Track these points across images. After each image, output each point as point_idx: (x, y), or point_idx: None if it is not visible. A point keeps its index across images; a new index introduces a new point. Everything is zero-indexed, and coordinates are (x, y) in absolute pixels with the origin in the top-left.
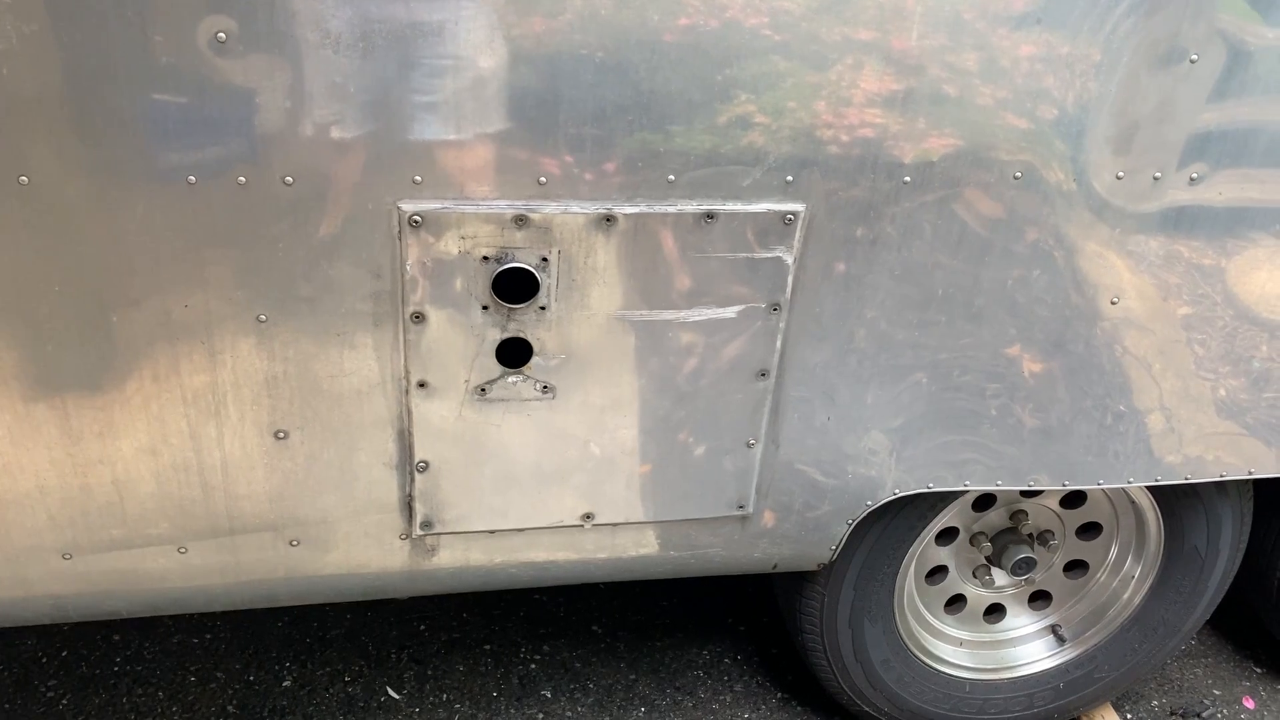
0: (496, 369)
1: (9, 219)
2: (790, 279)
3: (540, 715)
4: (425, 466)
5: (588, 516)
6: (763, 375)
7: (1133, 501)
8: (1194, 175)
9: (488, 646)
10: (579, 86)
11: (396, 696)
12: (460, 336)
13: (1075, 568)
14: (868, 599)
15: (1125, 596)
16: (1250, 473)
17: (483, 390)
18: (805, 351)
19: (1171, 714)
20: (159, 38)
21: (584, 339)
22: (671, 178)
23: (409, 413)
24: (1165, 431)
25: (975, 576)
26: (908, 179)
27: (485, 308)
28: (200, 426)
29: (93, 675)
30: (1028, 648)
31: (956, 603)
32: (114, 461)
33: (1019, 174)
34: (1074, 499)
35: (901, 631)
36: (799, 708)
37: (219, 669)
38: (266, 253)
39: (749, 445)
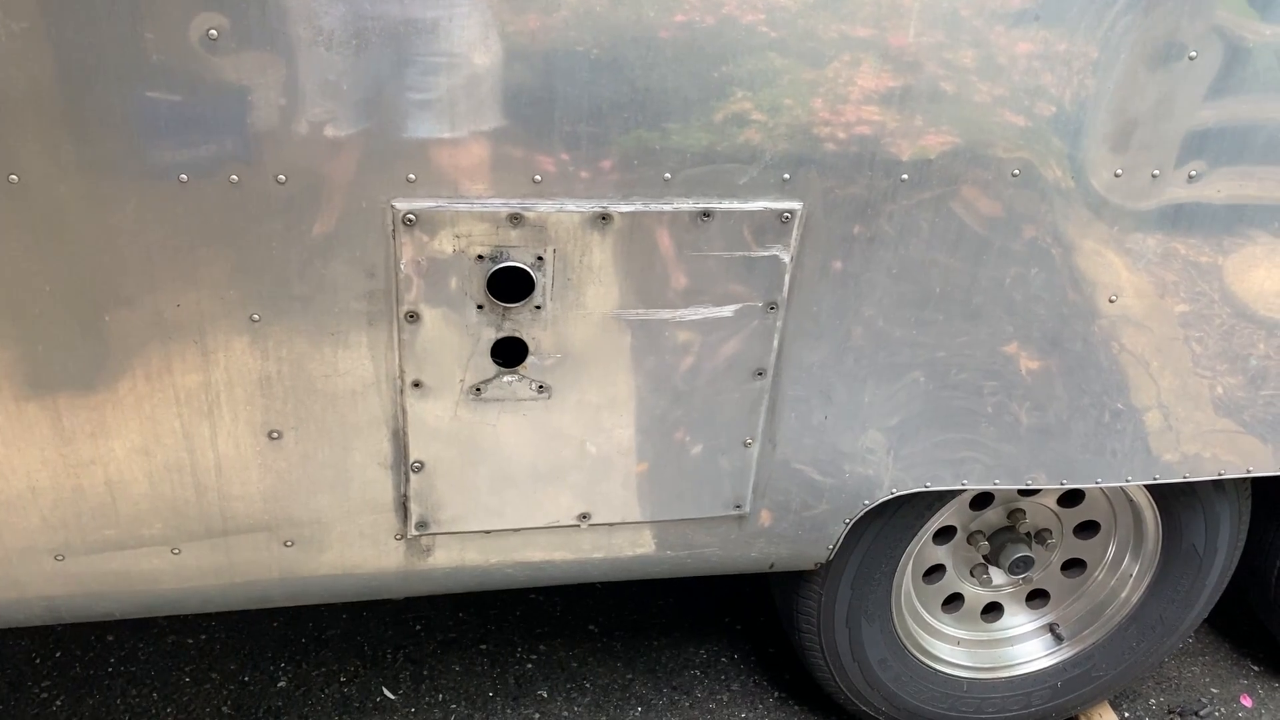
0: (492, 368)
1: None
2: (787, 278)
3: (537, 715)
4: (420, 466)
5: (584, 516)
6: (759, 374)
7: (1130, 500)
8: (1193, 173)
9: (484, 646)
10: (574, 84)
11: (392, 697)
12: (455, 336)
13: (1073, 566)
14: (865, 598)
15: (1123, 595)
16: (1249, 471)
17: (478, 390)
18: (802, 350)
19: (1169, 712)
20: (150, 35)
21: (580, 338)
22: (668, 176)
23: (404, 412)
24: (1163, 429)
25: (973, 575)
26: (905, 177)
27: (480, 307)
28: (193, 427)
29: (87, 676)
30: (1025, 646)
31: (954, 601)
32: (107, 462)
33: (1017, 172)
34: (1072, 497)
35: (899, 630)
36: (796, 707)
37: (214, 669)
38: (259, 252)
39: (746, 445)
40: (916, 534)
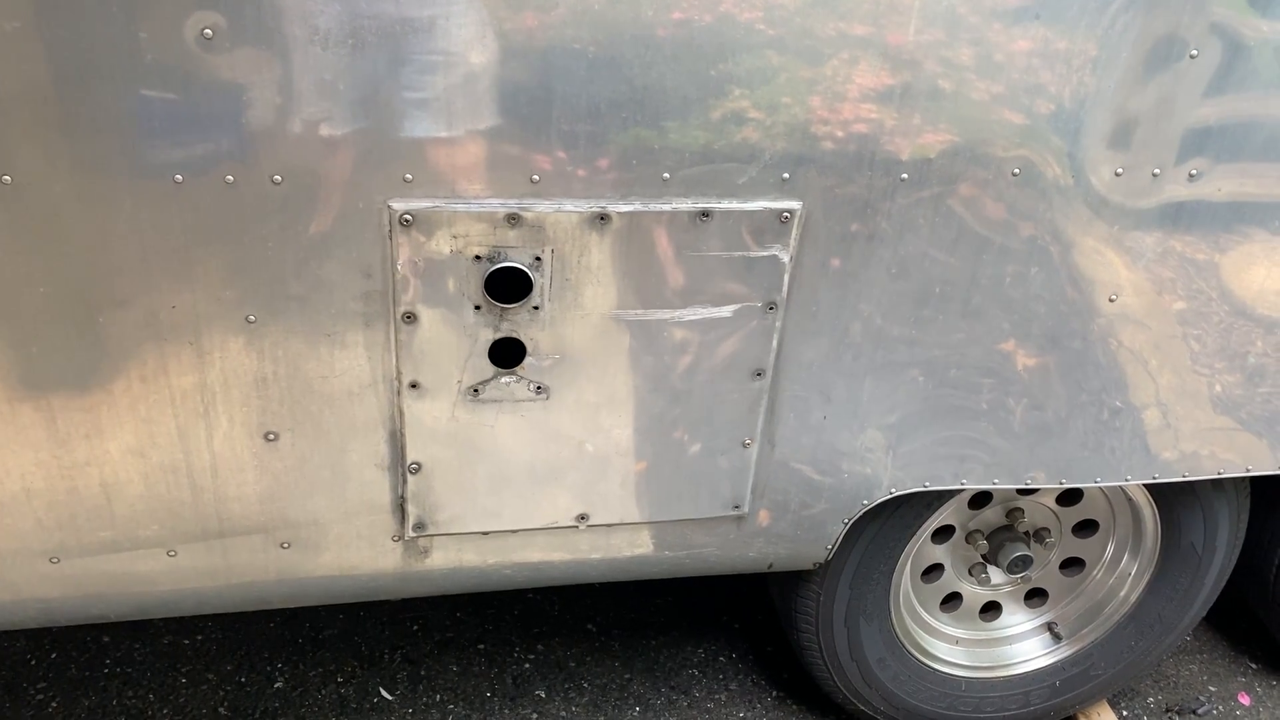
0: (489, 369)
1: None
2: (786, 277)
3: (534, 715)
4: (418, 468)
5: (582, 517)
6: (758, 375)
7: (1129, 499)
8: (1193, 171)
9: (481, 646)
10: (572, 82)
11: (389, 697)
12: (453, 336)
13: (1071, 565)
14: (863, 597)
15: (1122, 594)
16: (1248, 470)
17: (476, 391)
18: (801, 350)
19: (1167, 711)
20: (145, 34)
21: (578, 339)
22: (666, 175)
23: (401, 414)
24: (1162, 428)
25: (971, 574)
26: (904, 175)
27: (478, 307)
28: (189, 428)
29: (82, 677)
30: (1024, 645)
31: (952, 601)
32: (102, 464)
33: (1016, 170)
34: (1070, 496)
35: (897, 630)
36: (794, 706)
37: (210, 670)
38: (255, 252)
39: (744, 445)
40: (915, 533)
